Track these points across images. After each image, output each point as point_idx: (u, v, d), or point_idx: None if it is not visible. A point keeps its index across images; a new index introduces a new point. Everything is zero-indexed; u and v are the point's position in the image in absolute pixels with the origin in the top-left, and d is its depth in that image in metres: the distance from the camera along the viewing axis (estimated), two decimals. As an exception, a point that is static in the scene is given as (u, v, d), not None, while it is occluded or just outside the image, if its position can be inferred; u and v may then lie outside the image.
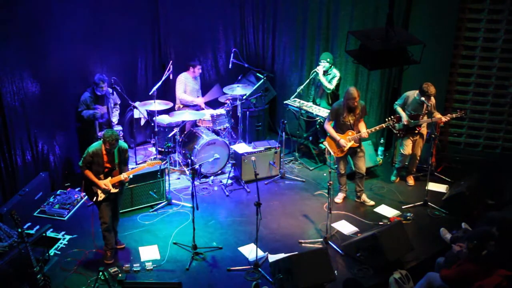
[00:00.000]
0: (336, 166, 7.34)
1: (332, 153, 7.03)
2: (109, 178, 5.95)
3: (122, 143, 6.04)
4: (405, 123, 7.39)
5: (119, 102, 7.96)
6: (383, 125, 7.23)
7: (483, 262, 5.02)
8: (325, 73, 8.31)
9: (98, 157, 5.89)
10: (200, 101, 8.62)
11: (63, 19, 7.30)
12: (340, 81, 8.35)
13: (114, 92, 7.70)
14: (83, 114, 7.48)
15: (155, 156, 8.22)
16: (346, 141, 7.05)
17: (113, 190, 5.98)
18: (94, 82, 7.50)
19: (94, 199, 5.99)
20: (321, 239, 6.51)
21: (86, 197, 7.26)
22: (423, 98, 7.20)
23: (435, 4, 7.98)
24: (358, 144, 7.12)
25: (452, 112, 7.44)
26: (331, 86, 8.19)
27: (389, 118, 7.20)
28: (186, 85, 8.50)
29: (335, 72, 8.27)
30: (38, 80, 7.08)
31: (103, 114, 7.57)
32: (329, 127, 7.17)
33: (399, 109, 7.52)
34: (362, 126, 7.08)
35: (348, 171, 7.49)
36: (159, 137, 8.14)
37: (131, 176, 6.15)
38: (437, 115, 7.37)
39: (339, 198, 7.44)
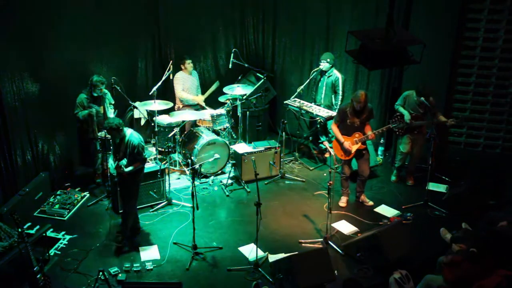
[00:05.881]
0: (336, 166, 7.32)
1: (339, 157, 7.01)
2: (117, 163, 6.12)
3: (131, 138, 6.07)
4: (408, 122, 7.36)
5: (113, 102, 7.87)
6: (390, 125, 7.22)
7: (483, 262, 5.02)
8: (325, 73, 8.32)
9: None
10: (200, 99, 8.61)
11: (63, 20, 7.30)
12: (344, 81, 8.38)
13: (108, 92, 7.58)
14: (78, 115, 7.34)
15: (155, 156, 8.23)
16: (352, 143, 7.03)
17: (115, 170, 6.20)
18: (92, 84, 7.29)
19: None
20: (321, 239, 6.51)
21: (87, 197, 7.40)
22: (422, 98, 7.23)
23: (435, 4, 7.97)
24: (364, 146, 7.10)
25: (452, 120, 7.38)
26: (341, 92, 8.26)
27: (396, 118, 7.18)
28: (184, 83, 8.50)
29: (336, 74, 8.27)
30: (38, 80, 7.08)
31: (98, 112, 7.47)
32: (335, 129, 7.13)
33: (402, 109, 7.53)
34: (367, 129, 7.04)
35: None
36: (159, 137, 8.13)
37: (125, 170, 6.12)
38: (442, 118, 7.33)
39: (342, 202, 7.39)
